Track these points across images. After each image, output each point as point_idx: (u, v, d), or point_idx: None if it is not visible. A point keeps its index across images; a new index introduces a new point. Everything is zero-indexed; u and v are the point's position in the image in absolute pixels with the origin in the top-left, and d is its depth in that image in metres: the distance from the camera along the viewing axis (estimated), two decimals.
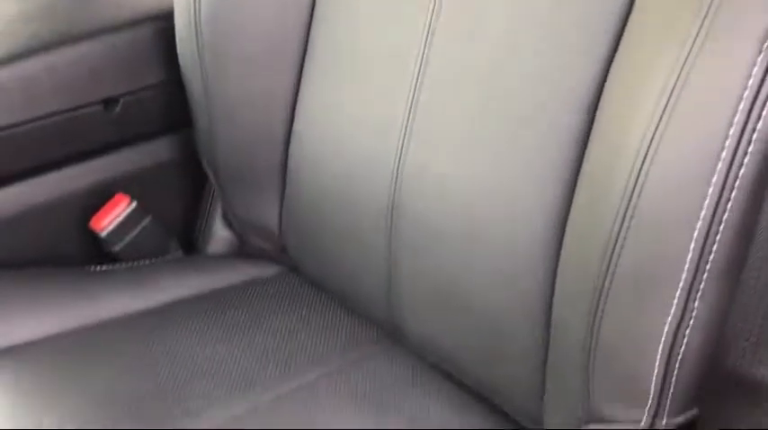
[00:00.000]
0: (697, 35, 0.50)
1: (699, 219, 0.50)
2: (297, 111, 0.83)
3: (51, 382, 0.74)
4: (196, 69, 0.84)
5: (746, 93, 0.48)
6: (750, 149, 0.49)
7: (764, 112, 0.48)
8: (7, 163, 0.85)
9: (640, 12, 0.56)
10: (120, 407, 0.71)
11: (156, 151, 0.95)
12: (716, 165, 0.49)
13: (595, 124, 0.59)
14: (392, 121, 0.72)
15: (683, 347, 0.54)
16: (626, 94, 0.55)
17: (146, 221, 0.93)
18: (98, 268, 0.90)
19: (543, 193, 0.63)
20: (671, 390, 0.55)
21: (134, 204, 0.92)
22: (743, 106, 0.48)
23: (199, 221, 0.98)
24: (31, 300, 0.82)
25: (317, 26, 0.81)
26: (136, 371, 0.75)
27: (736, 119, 0.49)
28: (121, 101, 0.89)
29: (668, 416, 0.57)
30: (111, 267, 0.91)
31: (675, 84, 0.50)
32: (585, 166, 0.59)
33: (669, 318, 0.53)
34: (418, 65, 0.71)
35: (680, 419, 0.57)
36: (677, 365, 0.54)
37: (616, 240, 0.53)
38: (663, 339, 0.53)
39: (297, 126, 0.83)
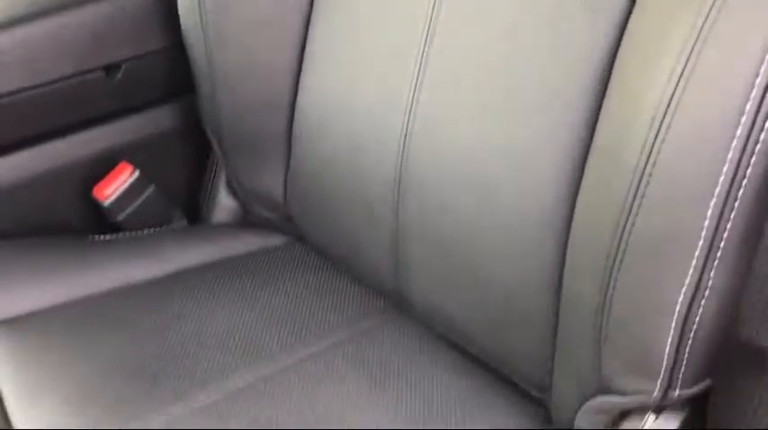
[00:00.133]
0: (713, 5, 0.48)
1: (716, 187, 0.49)
2: (302, 77, 0.82)
3: (57, 352, 0.73)
4: (198, 35, 0.83)
5: (764, 62, 0.47)
6: None
7: None
8: (8, 131, 0.84)
9: None
10: (126, 378, 0.70)
11: (159, 119, 0.94)
12: (733, 134, 0.48)
13: (608, 96, 0.58)
14: (400, 88, 0.71)
15: (697, 318, 0.53)
16: (640, 63, 0.54)
17: (149, 190, 0.93)
18: (101, 238, 0.89)
19: (554, 164, 0.62)
20: (684, 362, 0.54)
21: (137, 173, 0.91)
22: (760, 80, 0.47)
23: (203, 190, 0.98)
24: (35, 270, 0.82)
25: None
26: (141, 342, 0.74)
27: (753, 92, 0.47)
28: (123, 67, 0.88)
29: (681, 387, 0.56)
30: (114, 237, 0.90)
31: (691, 53, 0.49)
32: (598, 137, 0.58)
33: (684, 289, 0.52)
34: (427, 29, 0.69)
35: (693, 390, 0.56)
36: (691, 336, 0.53)
37: (630, 209, 0.52)
38: (677, 310, 0.52)
39: (302, 92, 0.82)
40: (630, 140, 0.52)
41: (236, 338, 0.76)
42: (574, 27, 0.60)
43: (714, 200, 0.49)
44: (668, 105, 0.50)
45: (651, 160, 0.50)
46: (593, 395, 0.61)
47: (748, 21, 0.47)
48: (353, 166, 0.77)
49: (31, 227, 0.88)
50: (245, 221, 0.95)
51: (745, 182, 0.49)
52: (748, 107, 0.47)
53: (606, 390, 0.60)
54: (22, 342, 0.74)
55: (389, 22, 0.73)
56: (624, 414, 0.61)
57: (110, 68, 0.88)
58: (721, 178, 0.49)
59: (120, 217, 0.91)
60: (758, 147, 0.48)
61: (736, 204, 0.49)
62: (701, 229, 0.50)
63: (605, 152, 0.57)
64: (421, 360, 0.75)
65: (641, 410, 0.60)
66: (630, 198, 0.52)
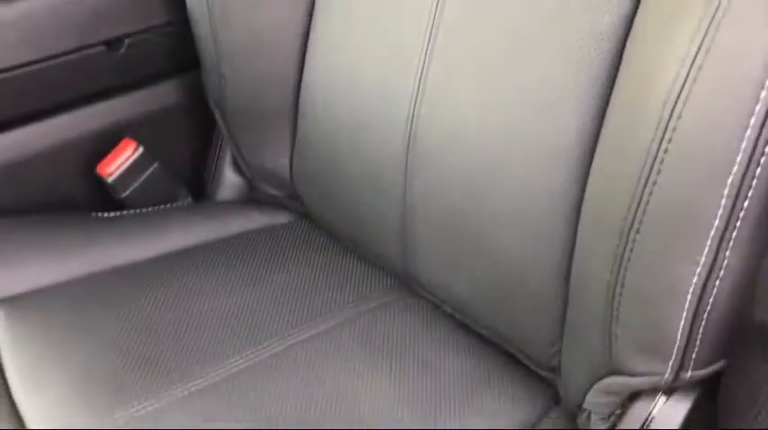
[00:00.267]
0: None
1: (733, 166, 0.48)
2: (308, 51, 0.81)
3: (59, 330, 0.73)
4: (204, 12, 0.82)
5: None
6: None
7: None
8: (9, 107, 0.83)
9: None
10: (129, 357, 0.70)
11: (164, 94, 0.93)
12: (752, 110, 0.47)
13: (623, 64, 0.57)
14: (408, 64, 0.70)
15: (711, 299, 0.52)
16: (652, 42, 0.52)
17: (153, 167, 0.92)
18: (105, 215, 0.89)
19: (566, 136, 0.61)
20: (697, 343, 0.54)
21: (141, 149, 0.91)
22: None
23: (208, 167, 0.97)
24: (37, 248, 0.81)
25: None
26: (145, 320, 0.74)
27: None
28: (126, 41, 0.87)
29: (693, 368, 0.55)
30: (118, 214, 0.90)
31: (707, 32, 0.47)
32: (610, 115, 0.57)
33: (698, 269, 0.51)
34: (436, 3, 0.68)
35: (705, 372, 0.55)
36: (705, 317, 0.52)
37: (644, 187, 0.51)
38: (691, 290, 0.51)
39: (308, 67, 0.81)
40: (644, 119, 0.51)
41: (242, 317, 0.75)
42: (584, 8, 0.58)
43: (731, 178, 0.48)
44: (684, 82, 0.48)
45: (666, 137, 0.49)
46: (604, 376, 0.60)
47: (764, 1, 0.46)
48: (360, 143, 0.76)
49: (34, 204, 0.87)
50: (251, 199, 0.94)
51: (763, 160, 0.47)
52: (767, 83, 0.46)
53: (617, 371, 0.59)
54: (24, 320, 0.74)
55: None
56: (634, 395, 0.61)
57: (112, 43, 0.86)
58: (739, 156, 0.47)
59: (124, 194, 0.91)
60: None
61: (754, 183, 0.48)
62: (718, 208, 0.49)
63: (619, 128, 0.55)
64: (428, 339, 0.75)
65: (652, 391, 0.59)
66: (645, 176, 0.51)
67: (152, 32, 0.89)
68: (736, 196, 0.48)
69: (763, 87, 0.46)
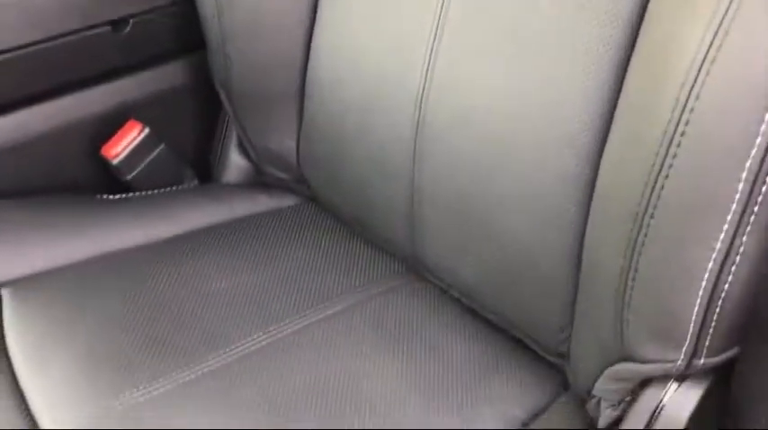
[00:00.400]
0: None
1: (752, 149, 0.46)
2: (314, 31, 0.80)
3: (65, 313, 0.73)
4: None
5: None
6: None
7: None
8: (13, 88, 0.83)
9: None
10: (135, 340, 0.70)
11: (169, 75, 0.93)
12: None
13: (637, 47, 0.56)
14: (418, 42, 0.69)
15: (726, 285, 0.51)
16: (673, 11, 0.51)
17: (159, 149, 0.92)
18: (110, 197, 0.88)
19: (578, 121, 0.60)
20: (711, 330, 0.53)
21: (147, 131, 0.90)
22: None
23: (214, 150, 0.96)
24: (43, 230, 0.81)
25: None
26: (150, 303, 0.74)
27: None
28: (131, 22, 0.87)
29: (706, 356, 0.54)
30: (123, 196, 0.89)
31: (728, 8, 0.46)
32: (626, 94, 0.56)
33: (714, 255, 0.50)
34: None
35: (719, 359, 0.55)
36: (720, 303, 0.51)
37: (661, 166, 0.50)
38: (706, 275, 0.50)
39: (314, 47, 0.80)
40: (662, 98, 0.50)
41: (249, 300, 0.75)
42: None
43: (749, 162, 0.47)
44: (702, 63, 0.47)
45: (684, 119, 0.48)
46: (614, 362, 0.60)
47: None
48: (367, 127, 0.75)
49: (39, 186, 0.87)
50: (257, 181, 0.94)
51: None
52: None
53: (628, 358, 0.58)
54: (29, 302, 0.73)
55: None
56: (645, 382, 0.60)
57: (117, 23, 0.86)
58: (758, 139, 0.46)
59: (130, 176, 0.90)
60: None
61: None
62: (735, 193, 0.48)
63: (634, 111, 0.54)
64: (436, 324, 0.75)
65: (663, 378, 0.58)
66: (660, 159, 0.50)
67: (157, 12, 0.88)
68: (754, 180, 0.47)
69: None
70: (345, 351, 0.71)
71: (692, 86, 0.47)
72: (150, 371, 0.67)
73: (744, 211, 0.48)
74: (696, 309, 0.52)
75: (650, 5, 0.55)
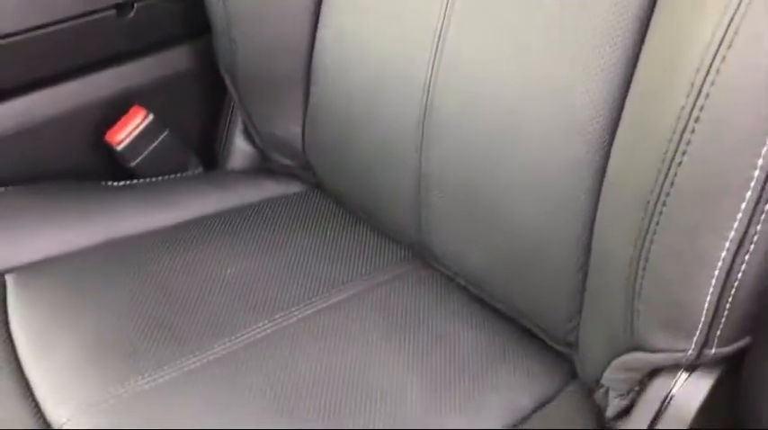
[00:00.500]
0: None
1: None
2: (321, 14, 0.79)
3: (70, 300, 0.72)
4: None
5: None
6: None
7: None
8: (16, 73, 0.82)
9: None
10: (140, 327, 0.69)
11: (174, 61, 0.92)
12: None
13: (650, 31, 0.55)
14: (426, 24, 0.68)
15: (740, 274, 0.50)
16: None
17: (164, 135, 0.91)
18: (115, 184, 0.88)
19: (589, 106, 0.59)
20: (723, 319, 0.52)
21: (151, 117, 0.89)
22: None
23: (219, 136, 0.96)
24: (47, 217, 0.81)
25: None
26: (155, 290, 0.73)
27: None
28: (135, 6, 0.86)
29: (717, 345, 0.54)
30: (128, 183, 0.89)
31: None
32: (639, 78, 0.55)
33: (728, 243, 0.49)
34: None
35: (730, 349, 0.54)
36: (732, 292, 0.51)
37: (674, 153, 0.49)
38: (719, 264, 0.50)
39: (321, 31, 0.79)
40: (675, 83, 0.49)
41: (255, 287, 0.75)
42: None
43: (765, 149, 0.46)
44: (717, 48, 0.46)
45: (699, 104, 0.47)
46: (623, 352, 0.59)
47: None
48: (374, 111, 0.74)
49: (42, 172, 0.86)
50: (263, 168, 0.93)
51: None
52: None
53: (638, 347, 0.57)
54: (34, 288, 0.73)
55: None
56: (654, 371, 0.59)
57: (121, 7, 0.85)
58: None
59: (134, 162, 0.90)
60: None
61: None
62: (750, 180, 0.47)
63: (646, 97, 0.54)
64: (442, 312, 0.74)
65: (673, 368, 0.58)
66: (674, 146, 0.49)
67: None
68: None
69: None
70: (352, 339, 0.70)
71: (708, 71, 0.47)
72: (156, 358, 0.66)
73: (759, 199, 0.47)
74: (708, 298, 0.51)
75: None
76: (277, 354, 0.68)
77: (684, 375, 0.58)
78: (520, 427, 0.66)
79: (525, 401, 0.67)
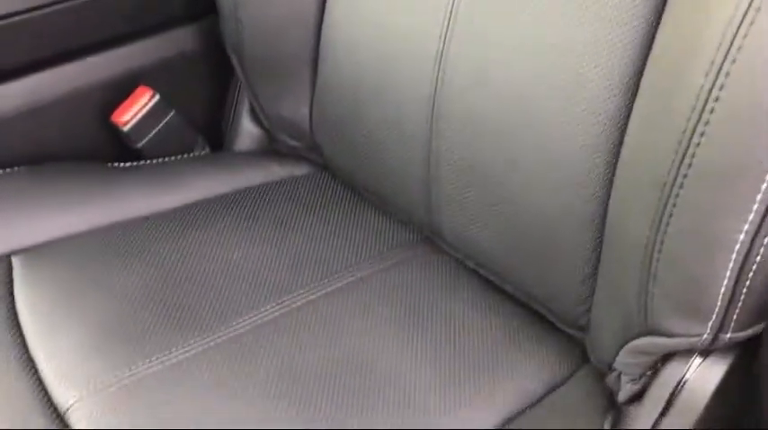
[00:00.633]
0: None
1: None
2: None
3: (76, 282, 0.72)
4: None
5: None
6: None
7: None
8: (21, 52, 0.82)
9: None
10: (147, 309, 0.69)
11: (180, 40, 0.92)
12: None
13: (668, 6, 0.54)
14: (437, 1, 0.67)
15: (758, 257, 0.49)
16: None
17: (170, 115, 0.91)
18: (121, 165, 0.87)
19: (605, 83, 0.57)
20: (739, 304, 0.51)
21: (158, 97, 0.89)
22: None
23: (225, 117, 0.95)
24: (53, 198, 0.81)
25: None
26: (162, 272, 0.73)
27: None
28: None
29: (733, 330, 0.53)
30: (134, 164, 0.88)
31: None
32: (656, 54, 0.54)
33: (746, 226, 0.48)
34: None
35: (745, 334, 0.53)
36: (750, 276, 0.50)
37: (692, 134, 0.48)
38: (737, 248, 0.49)
39: (329, 8, 0.78)
40: (694, 62, 0.47)
41: (261, 270, 0.74)
42: None
43: None
44: (738, 27, 0.45)
45: (719, 83, 0.46)
46: (637, 336, 0.58)
47: None
48: (384, 87, 0.73)
49: (48, 154, 0.86)
50: (270, 149, 0.93)
51: None
52: None
53: (651, 332, 0.57)
54: (41, 270, 0.73)
55: None
56: (667, 356, 0.58)
57: None
58: None
59: (140, 143, 0.89)
60: None
61: None
62: None
63: (665, 73, 0.52)
64: (452, 296, 0.74)
65: (686, 353, 0.57)
66: (692, 126, 0.48)
67: None
68: None
69: None
70: (360, 322, 0.70)
71: (729, 49, 0.45)
72: (162, 342, 0.66)
73: None
74: (725, 281, 0.50)
75: None
76: (284, 338, 0.67)
77: (698, 360, 0.57)
78: (531, 412, 0.65)
79: (536, 385, 0.67)
